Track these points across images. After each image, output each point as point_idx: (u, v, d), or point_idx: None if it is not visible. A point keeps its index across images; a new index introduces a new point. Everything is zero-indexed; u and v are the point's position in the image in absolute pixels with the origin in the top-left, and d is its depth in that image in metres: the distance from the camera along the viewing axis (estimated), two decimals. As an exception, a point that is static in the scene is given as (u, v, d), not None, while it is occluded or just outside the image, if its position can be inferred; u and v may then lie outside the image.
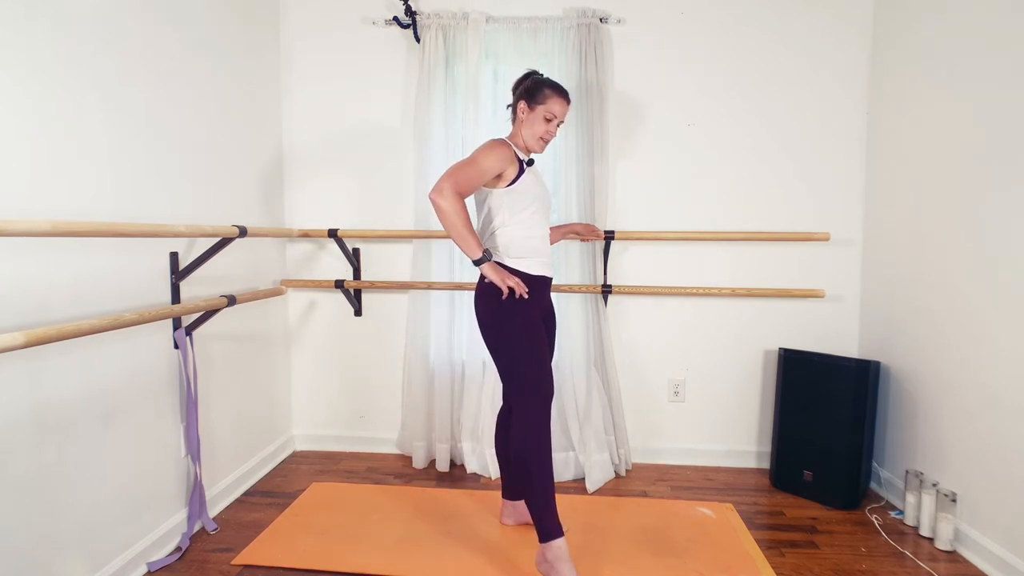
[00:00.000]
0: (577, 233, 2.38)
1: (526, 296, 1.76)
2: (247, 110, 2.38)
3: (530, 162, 1.89)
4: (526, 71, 1.96)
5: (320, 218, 2.70)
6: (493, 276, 1.74)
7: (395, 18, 2.53)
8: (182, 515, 1.99)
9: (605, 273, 2.56)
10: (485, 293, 1.82)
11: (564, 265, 2.54)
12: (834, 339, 2.59)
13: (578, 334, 2.50)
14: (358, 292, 2.70)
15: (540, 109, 1.85)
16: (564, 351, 2.52)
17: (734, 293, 2.54)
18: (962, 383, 1.98)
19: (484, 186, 1.82)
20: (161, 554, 1.86)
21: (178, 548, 1.91)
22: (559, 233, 2.31)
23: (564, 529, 1.76)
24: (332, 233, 2.60)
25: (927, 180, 2.15)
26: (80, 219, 1.55)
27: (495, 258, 1.82)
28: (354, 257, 2.67)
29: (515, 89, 1.95)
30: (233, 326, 2.29)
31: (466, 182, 1.71)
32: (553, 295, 2.53)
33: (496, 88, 2.60)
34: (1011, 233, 1.77)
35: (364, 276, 2.70)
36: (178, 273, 1.91)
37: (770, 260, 2.59)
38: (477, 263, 1.74)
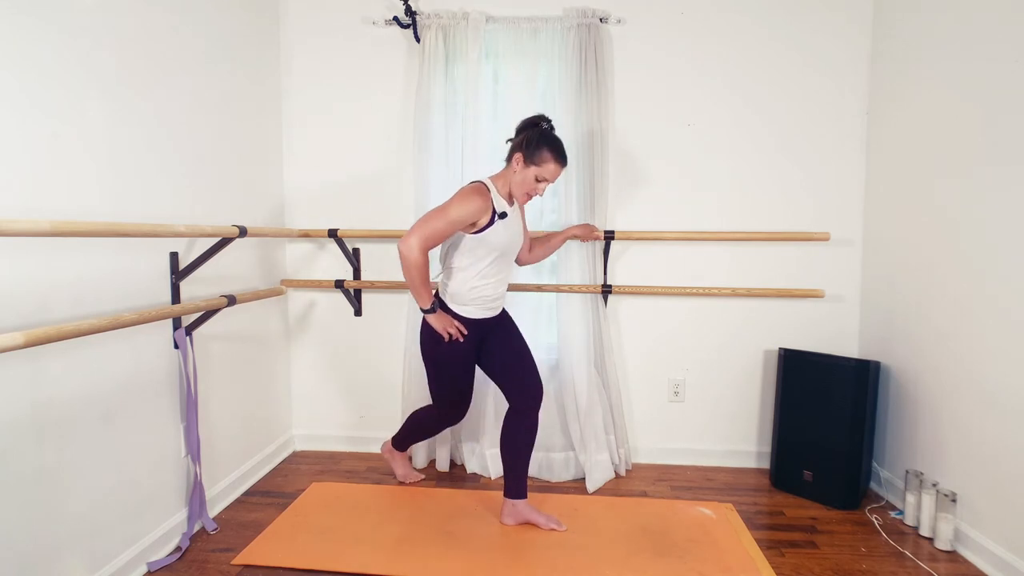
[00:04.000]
0: (576, 236, 2.39)
1: (462, 340, 1.98)
2: (247, 110, 2.38)
3: (503, 215, 1.94)
4: (537, 115, 1.97)
5: (320, 218, 2.70)
6: (436, 324, 1.96)
7: (395, 18, 2.53)
8: (182, 515, 1.99)
9: (605, 273, 2.55)
10: (427, 324, 2.00)
11: (564, 265, 2.53)
12: (834, 339, 2.59)
13: (578, 334, 2.50)
14: (358, 292, 2.70)
15: (534, 170, 1.92)
16: (564, 351, 2.52)
17: (734, 293, 2.54)
18: (962, 383, 1.98)
19: None
20: (161, 554, 1.86)
21: (178, 548, 1.91)
22: (559, 240, 2.34)
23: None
24: (332, 233, 2.60)
25: (927, 180, 2.15)
26: (80, 219, 1.55)
27: (443, 296, 2.01)
28: (354, 257, 2.67)
29: (520, 131, 1.98)
30: (233, 326, 2.29)
31: (436, 235, 1.85)
32: (553, 295, 2.55)
33: (496, 88, 2.60)
34: (1011, 233, 1.77)
35: (364, 276, 2.70)
36: (178, 273, 1.91)
37: (770, 260, 2.59)
38: (425, 312, 1.95)
